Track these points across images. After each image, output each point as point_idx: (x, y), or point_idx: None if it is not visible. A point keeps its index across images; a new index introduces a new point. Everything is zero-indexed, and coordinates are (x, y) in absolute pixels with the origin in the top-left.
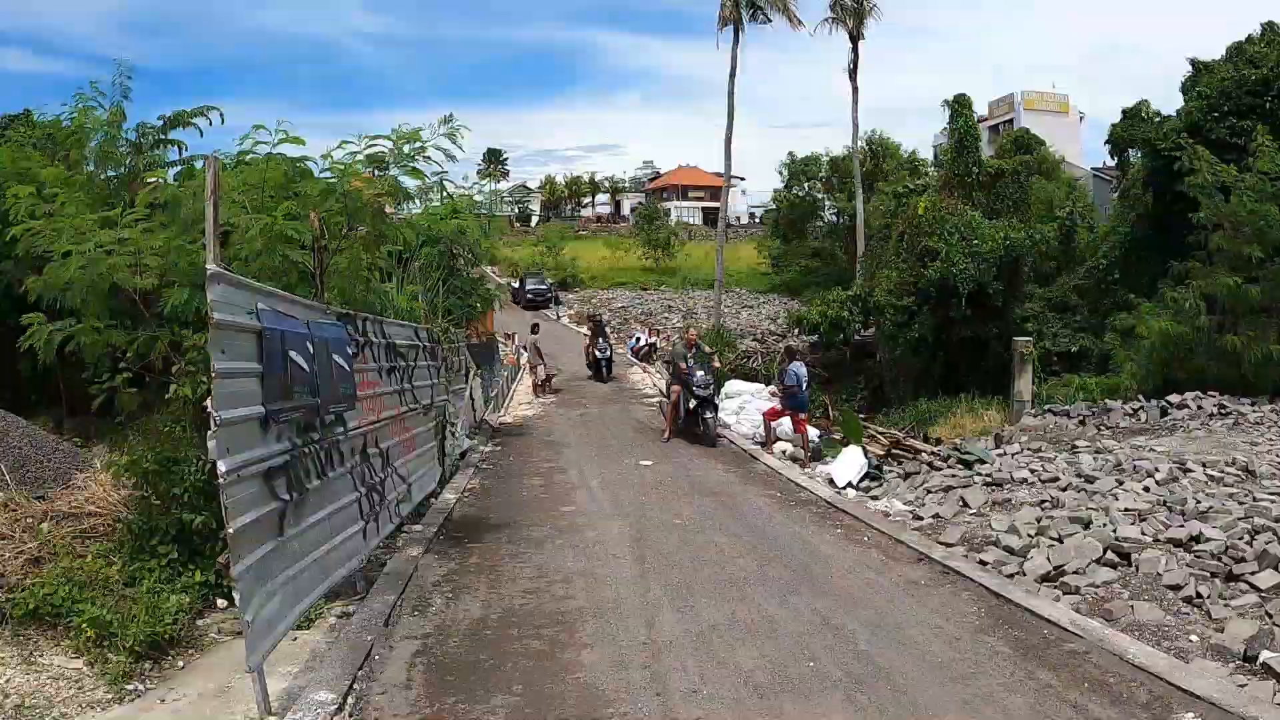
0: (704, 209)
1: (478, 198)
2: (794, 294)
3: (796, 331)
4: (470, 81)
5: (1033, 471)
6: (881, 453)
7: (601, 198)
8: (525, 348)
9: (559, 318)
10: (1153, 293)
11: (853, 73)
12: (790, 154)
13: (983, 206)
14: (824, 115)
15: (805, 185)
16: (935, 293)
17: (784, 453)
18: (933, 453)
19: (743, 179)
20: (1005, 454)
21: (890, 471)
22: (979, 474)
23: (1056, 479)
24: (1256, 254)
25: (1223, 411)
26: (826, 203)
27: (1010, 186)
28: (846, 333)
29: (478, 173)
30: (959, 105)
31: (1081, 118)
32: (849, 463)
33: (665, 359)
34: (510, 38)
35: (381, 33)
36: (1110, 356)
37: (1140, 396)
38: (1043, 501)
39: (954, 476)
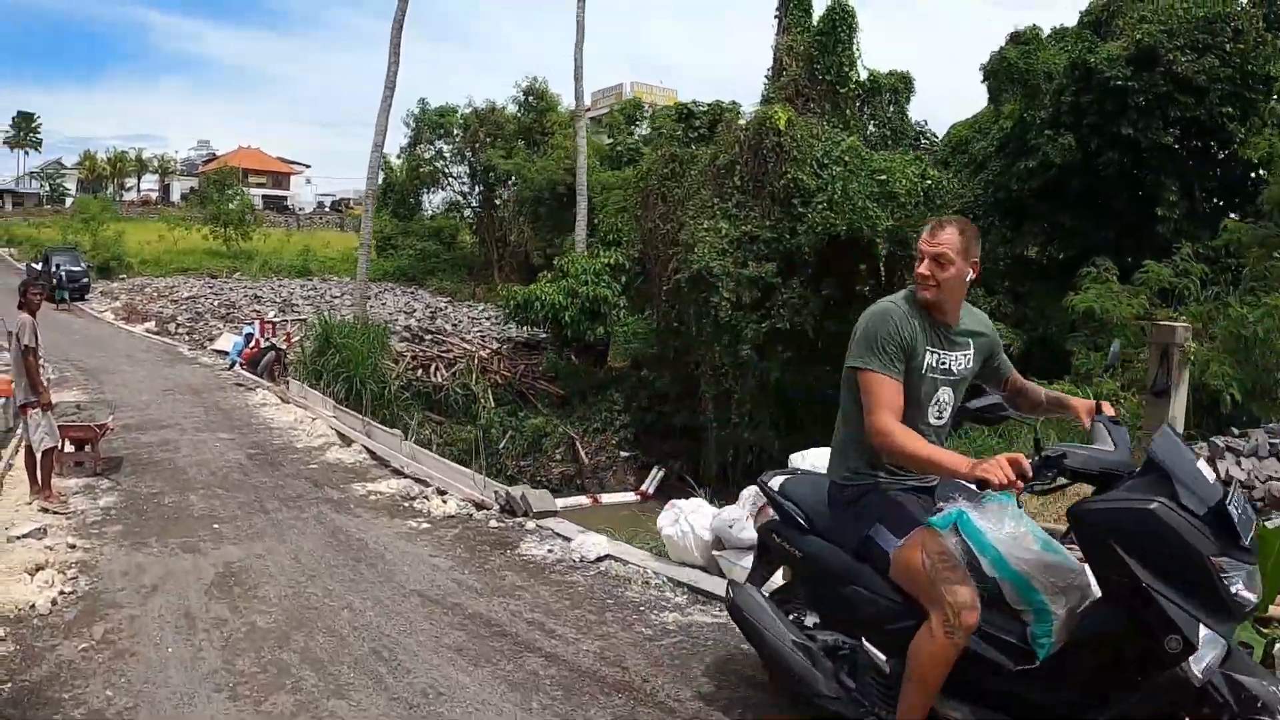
0: (265, 196)
1: None
2: (413, 282)
3: (515, 327)
4: (2, 51)
5: None
6: None
7: (150, 180)
8: (24, 348)
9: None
10: (1066, 269)
11: None
12: (422, 101)
13: (859, 132)
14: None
15: (436, 145)
16: (812, 256)
17: None
18: None
19: (309, 166)
20: None
21: None
22: None
23: None
24: None
25: None
26: (456, 169)
27: (888, 109)
28: (606, 322)
29: (4, 140)
30: None
31: None
32: None
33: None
34: (46, 6)
35: None
36: (1070, 353)
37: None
38: None
39: None
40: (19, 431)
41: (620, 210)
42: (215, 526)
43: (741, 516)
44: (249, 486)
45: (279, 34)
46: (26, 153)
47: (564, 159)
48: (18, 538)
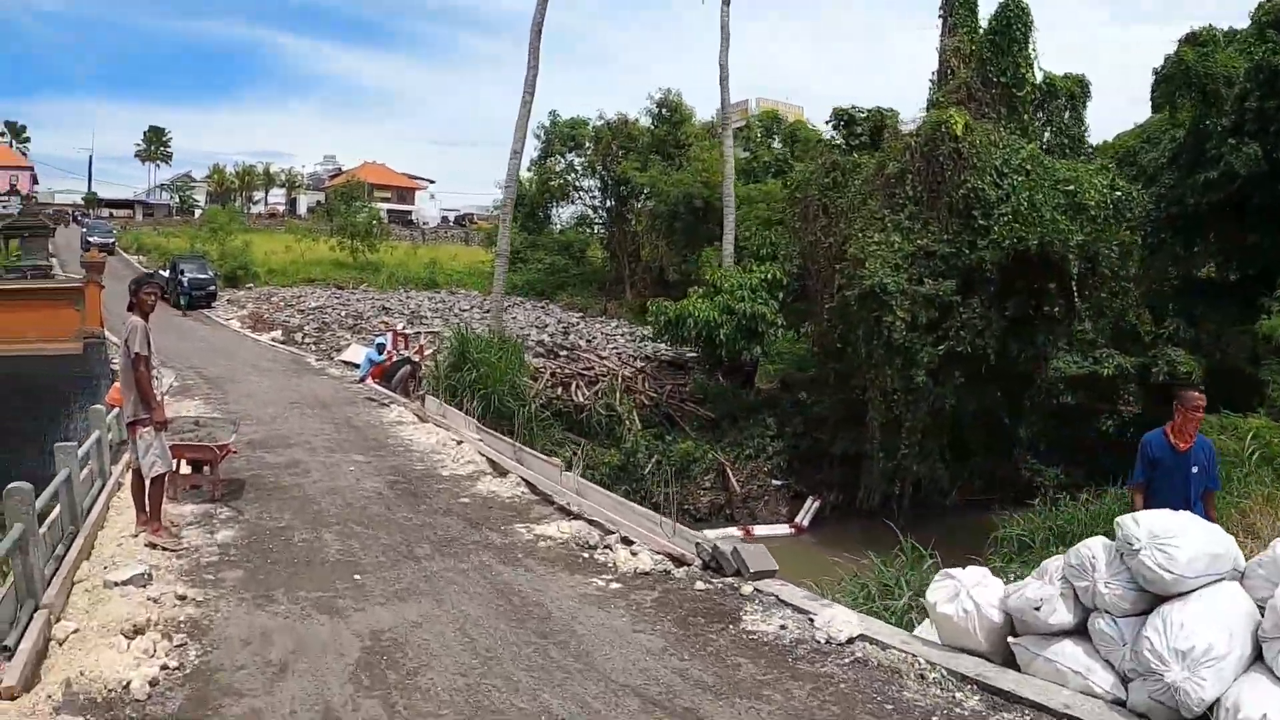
0: (390, 210)
1: None
2: (543, 296)
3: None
4: (139, 72)
5: None
6: None
7: (277, 194)
8: (135, 356)
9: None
10: (1245, 290)
11: None
12: (553, 113)
13: (1036, 139)
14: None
15: (566, 157)
16: (995, 272)
17: None
18: None
19: (433, 181)
20: None
21: None
22: None
23: None
24: None
25: None
26: (587, 183)
27: (1064, 114)
28: (764, 341)
29: (135, 154)
30: None
31: None
32: None
33: None
34: (190, 28)
35: (58, 11)
36: (1264, 383)
37: None
38: None
39: None
40: (129, 450)
41: (770, 223)
42: (356, 577)
43: (1052, 595)
44: (393, 524)
45: (405, 55)
46: (157, 165)
47: (700, 172)
48: (117, 584)
